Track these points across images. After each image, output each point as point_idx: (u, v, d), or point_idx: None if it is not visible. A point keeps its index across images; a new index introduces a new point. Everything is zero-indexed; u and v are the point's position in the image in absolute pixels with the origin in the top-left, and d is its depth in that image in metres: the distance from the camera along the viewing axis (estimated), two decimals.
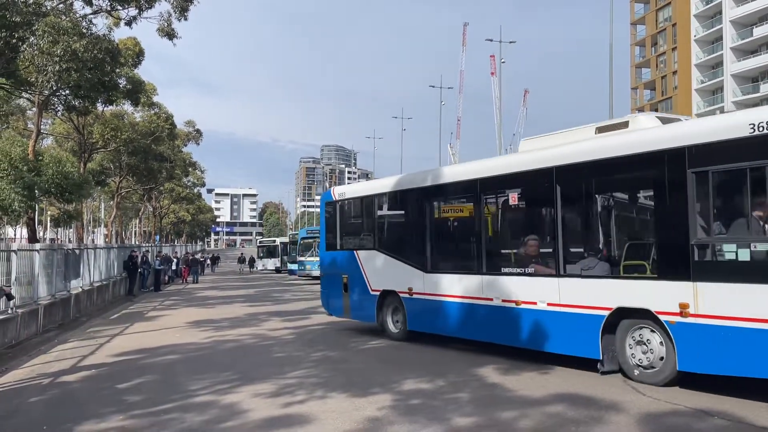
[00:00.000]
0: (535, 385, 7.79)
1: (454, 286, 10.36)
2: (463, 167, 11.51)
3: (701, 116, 66.04)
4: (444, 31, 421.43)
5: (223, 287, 32.31)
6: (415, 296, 11.28)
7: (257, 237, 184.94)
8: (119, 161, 36.56)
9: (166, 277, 35.25)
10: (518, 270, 9.32)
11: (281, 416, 6.65)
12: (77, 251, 19.02)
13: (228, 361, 10.16)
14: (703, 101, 68.41)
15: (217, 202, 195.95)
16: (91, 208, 64.73)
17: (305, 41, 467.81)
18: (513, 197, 9.89)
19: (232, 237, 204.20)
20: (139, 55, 26.97)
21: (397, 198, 12.41)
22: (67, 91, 20.38)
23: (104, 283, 22.70)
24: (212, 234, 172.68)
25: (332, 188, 14.39)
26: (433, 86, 55.21)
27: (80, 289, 18.55)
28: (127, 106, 32.99)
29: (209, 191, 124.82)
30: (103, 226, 73.49)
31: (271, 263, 53.28)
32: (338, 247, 13.69)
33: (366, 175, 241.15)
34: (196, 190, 76.06)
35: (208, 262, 55.25)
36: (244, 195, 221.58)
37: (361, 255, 12.72)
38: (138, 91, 27.58)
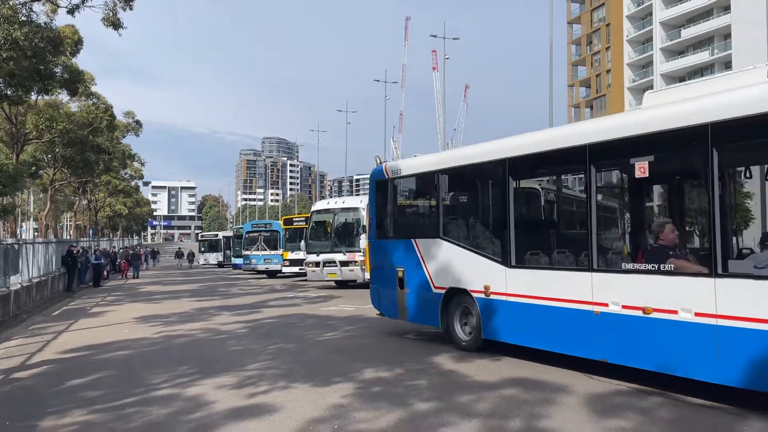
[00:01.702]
0: (489, 371, 8.20)
1: (549, 286, 8.10)
2: (565, 130, 8.86)
3: None
4: (389, 25, 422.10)
5: (165, 282, 31.79)
6: (492, 297, 8.98)
7: (196, 231, 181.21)
8: (53, 153, 35.26)
9: (105, 273, 34.37)
10: (647, 266, 6.85)
11: (247, 406, 6.80)
12: (16, 246, 18.40)
13: (184, 356, 10.17)
14: (635, 99, 71.10)
15: (154, 195, 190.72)
16: (19, 201, 62.00)
17: (245, 30, 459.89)
18: (641, 167, 7.03)
19: (169, 231, 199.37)
20: (77, 44, 26.08)
21: (468, 173, 10.00)
22: (0, 80, 19.60)
23: (43, 279, 22.03)
24: (149, 228, 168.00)
25: (384, 163, 11.75)
26: (378, 80, 55.45)
27: (19, 285, 17.96)
28: (63, 96, 31.89)
29: (145, 184, 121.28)
30: (32, 219, 70.55)
31: (213, 258, 52.63)
32: (391, 235, 11.44)
33: (308, 168, 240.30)
34: (134, 183, 73.91)
35: (148, 256, 54.03)
36: (182, 188, 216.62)
37: (421, 244, 10.50)
38: (76, 81, 26.71)
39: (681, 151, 6.98)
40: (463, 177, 10.26)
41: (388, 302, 11.47)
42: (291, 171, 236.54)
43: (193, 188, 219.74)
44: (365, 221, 22.36)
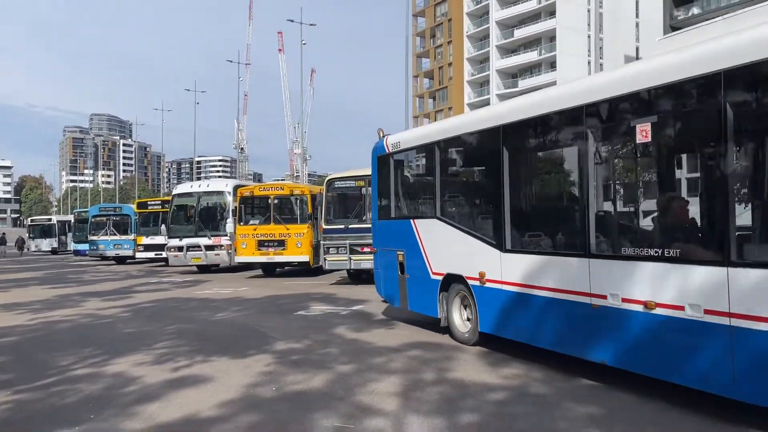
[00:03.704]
0: (389, 338, 9.21)
1: (544, 274, 6.97)
2: (560, 90, 7.24)
3: (472, 106, 74.20)
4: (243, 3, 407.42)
5: None
6: (488, 285, 7.94)
7: (14, 215, 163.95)
8: None
9: None
10: (650, 252, 5.63)
11: (179, 378, 7.19)
12: None
13: (78, 339, 10.03)
14: (473, 92, 76.26)
15: None
16: None
17: None
18: (642, 131, 5.73)
19: None
20: None
21: (462, 145, 8.87)
22: None
23: None
24: None
25: (385, 137, 10.84)
26: (231, 61, 54.30)
27: None
28: None
29: None
30: None
31: (47, 244, 48.71)
32: (392, 215, 10.43)
33: (144, 149, 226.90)
34: None
35: None
36: None
37: (419, 225, 9.48)
38: None
39: (688, 108, 5.60)
40: (458, 149, 9.12)
41: (390, 288, 10.54)
42: (125, 151, 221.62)
43: (8, 168, 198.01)
44: (231, 205, 22.52)
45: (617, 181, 6.66)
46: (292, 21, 42.49)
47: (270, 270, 21.68)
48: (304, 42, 43.06)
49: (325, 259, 17.05)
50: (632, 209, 6.41)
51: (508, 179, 7.62)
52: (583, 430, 5.13)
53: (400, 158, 10.43)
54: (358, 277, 18.17)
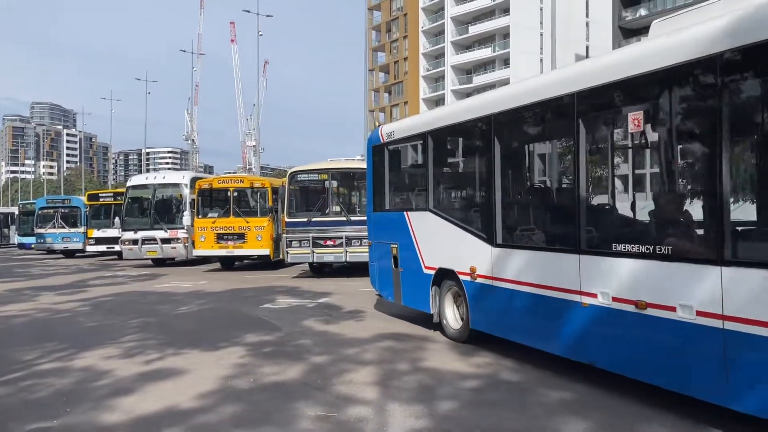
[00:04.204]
0: (359, 330, 9.31)
1: (535, 270, 6.67)
2: (550, 76, 6.99)
3: (427, 102, 74.81)
4: None
5: None
6: (479, 280, 7.65)
7: None
8: None
9: None
10: (642, 249, 5.27)
11: (153, 371, 7.14)
12: None
13: (38, 334, 9.78)
14: (429, 87, 76.80)
15: None
16: None
17: None
18: (634, 120, 5.40)
19: None
20: None
21: (454, 134, 8.67)
22: None
23: None
24: None
25: (380, 126, 10.70)
26: (184, 51, 53.20)
27: None
28: None
29: None
30: None
31: None
32: (387, 207, 10.22)
33: (90, 139, 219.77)
34: None
35: None
36: None
37: (413, 218, 9.23)
38: None
39: (684, 95, 5.27)
40: (449, 139, 8.92)
41: (384, 282, 10.28)
42: (69, 142, 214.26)
43: None
44: (188, 197, 22.19)
45: (609, 173, 6.37)
46: (248, 11, 41.99)
47: (228, 263, 21.47)
48: (260, 33, 42.57)
49: (287, 253, 17.00)
50: (624, 203, 6.07)
51: (499, 170, 7.35)
52: (560, 415, 5.36)
53: (395, 148, 10.10)
54: (321, 270, 18.20)
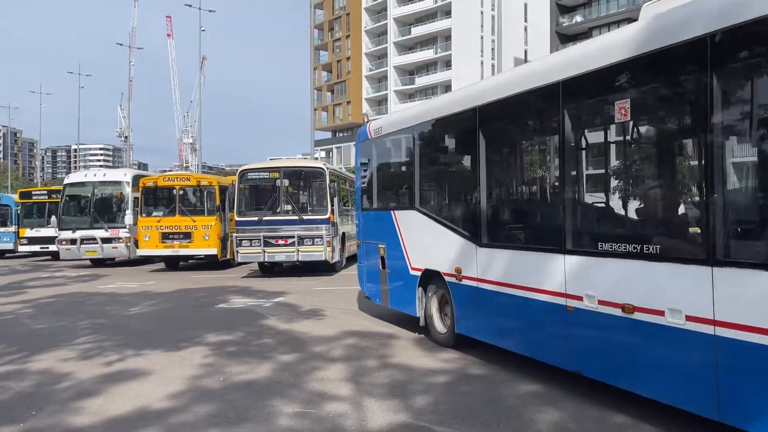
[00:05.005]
0: (322, 328, 9.31)
1: (520, 271, 6.32)
2: (535, 65, 6.39)
3: (370, 101, 74.98)
4: None
5: None
6: (464, 282, 7.31)
7: None
8: None
9: None
10: (629, 248, 4.90)
11: (116, 372, 6.94)
12: None
13: None
14: (372, 87, 77.02)
15: None
16: None
17: None
18: (622, 108, 5.00)
19: None
20: None
21: (435, 128, 8.22)
22: None
23: None
24: None
25: (369, 121, 10.20)
26: (121, 44, 51.46)
27: None
28: None
29: None
30: None
31: None
32: (374, 205, 9.89)
33: (15, 134, 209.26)
34: None
35: None
36: None
37: (399, 216, 8.90)
38: None
39: (674, 82, 4.80)
40: (433, 134, 8.43)
41: (371, 284, 9.96)
42: None
43: None
44: (130, 196, 21.56)
45: (595, 168, 5.92)
46: (189, 6, 41.01)
47: (173, 263, 20.97)
48: (203, 29, 41.65)
49: (237, 252, 16.76)
50: (610, 199, 5.68)
51: (484, 166, 6.97)
52: (534, 405, 5.55)
53: (381, 144, 9.71)
54: (270, 270, 18.03)
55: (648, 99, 5.09)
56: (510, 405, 5.57)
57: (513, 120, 7.00)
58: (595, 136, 5.91)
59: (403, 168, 9.23)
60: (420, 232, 8.36)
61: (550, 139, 6.24)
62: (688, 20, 4.43)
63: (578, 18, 57.12)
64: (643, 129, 5.39)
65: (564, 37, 56.46)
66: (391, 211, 9.13)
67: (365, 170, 10.26)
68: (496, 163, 7.19)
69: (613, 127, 5.49)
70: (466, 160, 7.65)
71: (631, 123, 5.17)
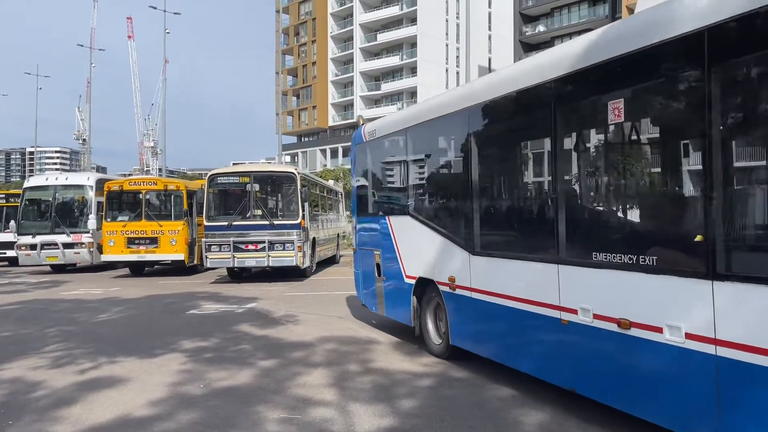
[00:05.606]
0: (299, 333, 9.25)
1: (514, 282, 6.00)
2: (525, 64, 6.11)
3: (336, 106, 74.83)
4: None
5: None
6: (458, 292, 7.01)
7: None
8: None
9: None
10: (625, 259, 4.57)
11: (91, 380, 6.78)
12: None
13: None
14: (338, 92, 76.98)
15: None
16: None
17: None
18: (615, 109, 4.71)
19: None
20: None
21: (428, 131, 7.81)
22: None
23: None
24: None
25: (364, 124, 9.87)
26: (82, 45, 50.32)
27: None
28: None
29: None
30: None
31: None
32: (370, 211, 9.58)
33: None
34: None
35: None
36: None
37: (394, 223, 8.62)
38: None
39: (673, 82, 4.42)
40: (426, 137, 8.00)
41: (367, 291, 9.72)
42: None
43: None
44: (93, 200, 21.08)
45: (591, 176, 5.49)
46: (154, 8, 40.38)
47: (138, 269, 20.55)
48: (167, 31, 41.03)
49: (206, 257, 16.53)
50: (606, 208, 5.34)
51: (477, 171, 6.65)
52: (518, 407, 5.63)
53: (376, 148, 9.35)
54: (239, 275, 17.84)
55: (646, 103, 4.77)
56: (494, 407, 5.64)
57: (505, 123, 6.53)
58: (591, 143, 5.49)
59: (398, 172, 8.86)
60: (414, 239, 8.08)
61: (545, 142, 5.79)
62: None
63: (541, 27, 58.20)
64: (640, 136, 5.02)
65: (527, 46, 57.45)
66: (387, 217, 8.86)
67: (360, 175, 10.05)
68: (488, 169, 6.85)
69: (609, 133, 5.18)
70: (459, 165, 7.25)
71: (626, 129, 4.91)
